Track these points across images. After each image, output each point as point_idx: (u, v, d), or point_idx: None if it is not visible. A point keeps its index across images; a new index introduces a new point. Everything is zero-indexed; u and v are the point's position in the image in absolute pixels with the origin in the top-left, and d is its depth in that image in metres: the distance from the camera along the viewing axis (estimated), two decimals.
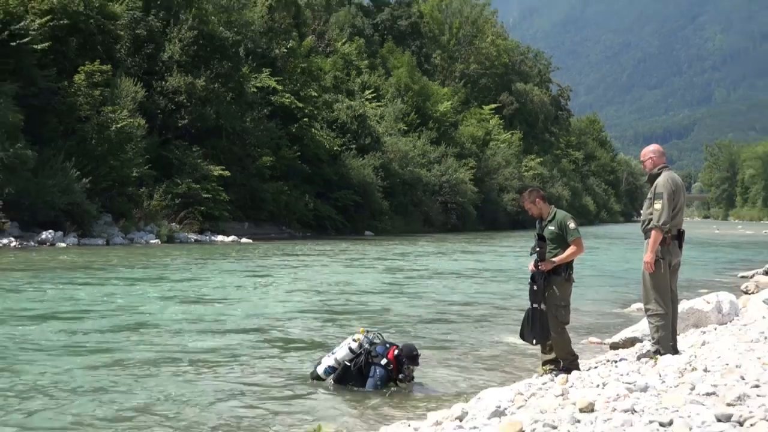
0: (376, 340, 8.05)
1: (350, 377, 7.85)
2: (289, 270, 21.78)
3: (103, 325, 11.43)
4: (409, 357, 7.86)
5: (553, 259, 7.43)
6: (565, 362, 7.52)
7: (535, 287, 7.44)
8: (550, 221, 7.61)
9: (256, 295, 16.05)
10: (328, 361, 7.99)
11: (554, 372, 7.39)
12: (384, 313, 13.55)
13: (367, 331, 8.17)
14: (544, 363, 7.70)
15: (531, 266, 7.53)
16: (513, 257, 28.79)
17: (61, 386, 7.71)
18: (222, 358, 9.18)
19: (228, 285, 17.51)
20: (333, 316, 12.99)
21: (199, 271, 20.86)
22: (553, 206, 7.79)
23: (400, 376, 7.89)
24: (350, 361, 7.88)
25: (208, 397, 7.39)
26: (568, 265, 7.50)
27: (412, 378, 8.00)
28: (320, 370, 7.98)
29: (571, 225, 7.54)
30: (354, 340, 8.00)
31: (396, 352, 7.91)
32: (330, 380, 7.92)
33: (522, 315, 7.71)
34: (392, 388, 7.87)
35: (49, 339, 10.25)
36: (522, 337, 7.67)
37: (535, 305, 7.43)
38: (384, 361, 7.83)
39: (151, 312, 12.95)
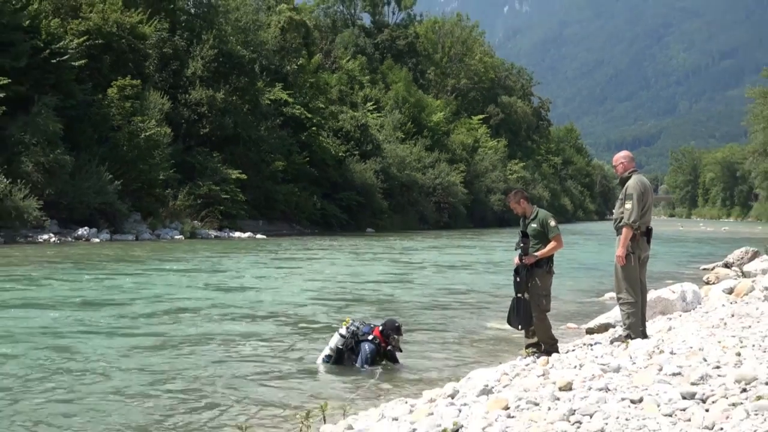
0: (361, 325, 8.13)
1: (345, 358, 7.95)
2: (306, 262, 21.98)
3: (147, 310, 11.59)
4: (392, 328, 8.03)
5: (536, 254, 7.41)
6: (545, 345, 7.50)
7: (518, 279, 7.43)
8: (533, 219, 7.59)
9: (280, 284, 16.17)
10: (325, 351, 8.09)
11: (536, 354, 7.37)
12: (389, 300, 13.58)
13: (353, 320, 8.23)
14: (528, 346, 7.67)
15: (516, 260, 7.52)
16: (501, 251, 28.76)
17: (113, 364, 7.90)
18: (248, 341, 9.28)
19: (255, 275, 17.69)
20: (348, 303, 13.09)
21: (227, 262, 21.06)
22: (535, 206, 7.78)
23: (389, 347, 7.99)
24: (342, 344, 7.96)
25: (231, 376, 7.46)
26: (549, 259, 7.49)
27: (400, 349, 8.10)
28: (319, 360, 8.09)
29: (552, 223, 7.53)
30: (342, 328, 8.10)
31: (381, 327, 8.05)
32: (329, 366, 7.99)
33: (508, 303, 7.70)
34: (381, 366, 7.87)
35: (100, 322, 10.40)
36: (509, 323, 7.67)
37: (519, 295, 7.41)
38: (371, 337, 7.96)
39: (188, 298, 13.12)
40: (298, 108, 44.71)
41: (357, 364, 7.85)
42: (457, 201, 58.89)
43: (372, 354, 7.89)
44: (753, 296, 10.12)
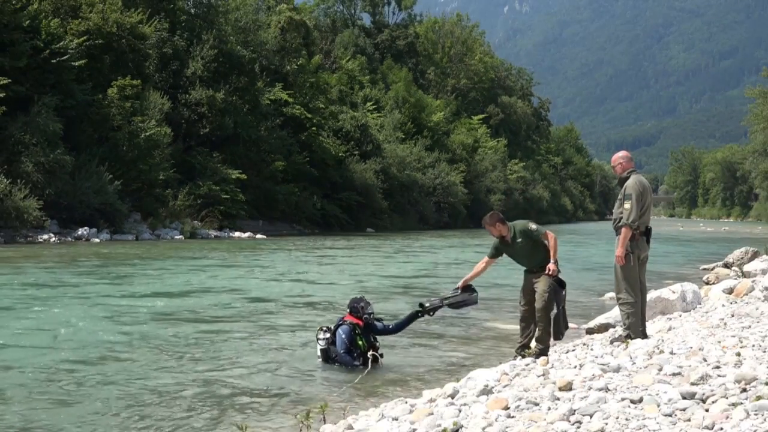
0: (331, 326, 8.23)
1: (330, 355, 8.00)
2: (333, 259, 22.70)
3: (197, 302, 12.38)
4: (356, 300, 8.16)
5: (552, 261, 7.40)
6: (540, 344, 7.51)
7: (564, 292, 7.47)
8: (514, 238, 7.55)
9: (322, 278, 16.91)
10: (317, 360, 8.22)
11: (528, 356, 7.40)
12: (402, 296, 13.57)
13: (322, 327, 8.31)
14: (521, 347, 7.68)
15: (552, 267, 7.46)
16: None
17: (171, 346, 8.62)
18: (261, 338, 9.50)
19: (289, 270, 18.37)
20: (377, 295, 13.45)
21: (262, 259, 21.82)
22: (507, 223, 7.69)
23: (364, 317, 8.02)
24: (324, 345, 8.05)
25: (232, 375, 7.52)
26: (555, 261, 7.54)
27: (375, 318, 8.16)
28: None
29: (533, 226, 7.54)
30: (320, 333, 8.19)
31: (348, 310, 8.16)
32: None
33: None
34: (371, 356, 7.84)
35: (158, 312, 11.15)
36: (555, 338, 7.65)
37: (561, 306, 7.44)
38: (340, 323, 8.04)
39: (241, 290, 13.99)
40: (298, 108, 44.71)
41: (337, 349, 7.87)
42: (456, 201, 58.91)
43: (348, 335, 7.89)
44: (753, 296, 10.12)
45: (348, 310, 8.18)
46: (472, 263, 21.48)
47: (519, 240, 7.48)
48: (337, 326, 8.04)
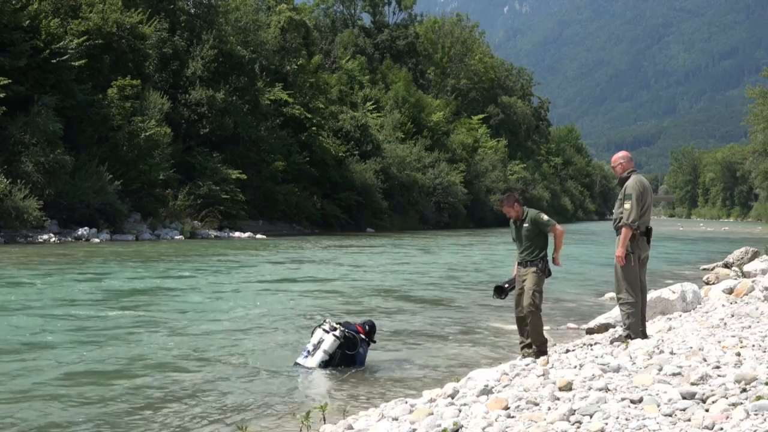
0: (341, 325, 8.04)
1: (339, 361, 7.85)
2: (355, 258, 23.27)
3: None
4: (373, 330, 8.30)
5: (555, 253, 7.73)
6: (536, 344, 7.54)
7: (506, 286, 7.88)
8: (524, 221, 7.69)
9: (353, 276, 17.57)
10: (319, 355, 7.81)
11: (525, 355, 7.41)
12: (405, 297, 13.57)
13: (335, 322, 8.12)
14: (523, 347, 7.69)
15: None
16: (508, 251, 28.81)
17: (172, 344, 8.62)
18: (267, 337, 9.61)
19: (318, 270, 18.89)
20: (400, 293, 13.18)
21: (278, 259, 22.22)
22: (524, 207, 7.86)
23: (368, 341, 8.24)
24: (339, 347, 7.84)
25: (232, 375, 7.48)
26: (544, 261, 7.59)
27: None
28: (311, 363, 7.79)
29: (544, 217, 7.69)
30: (332, 329, 7.91)
31: (367, 328, 8.22)
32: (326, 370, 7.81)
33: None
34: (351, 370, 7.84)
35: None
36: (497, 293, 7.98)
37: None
38: (361, 338, 8.05)
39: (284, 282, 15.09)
40: (298, 108, 44.69)
41: (358, 365, 7.87)
42: (456, 201, 58.83)
43: (365, 354, 8.00)
44: (753, 296, 10.12)
45: (367, 325, 8.22)
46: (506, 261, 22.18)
47: (526, 225, 7.65)
48: (355, 340, 7.91)
